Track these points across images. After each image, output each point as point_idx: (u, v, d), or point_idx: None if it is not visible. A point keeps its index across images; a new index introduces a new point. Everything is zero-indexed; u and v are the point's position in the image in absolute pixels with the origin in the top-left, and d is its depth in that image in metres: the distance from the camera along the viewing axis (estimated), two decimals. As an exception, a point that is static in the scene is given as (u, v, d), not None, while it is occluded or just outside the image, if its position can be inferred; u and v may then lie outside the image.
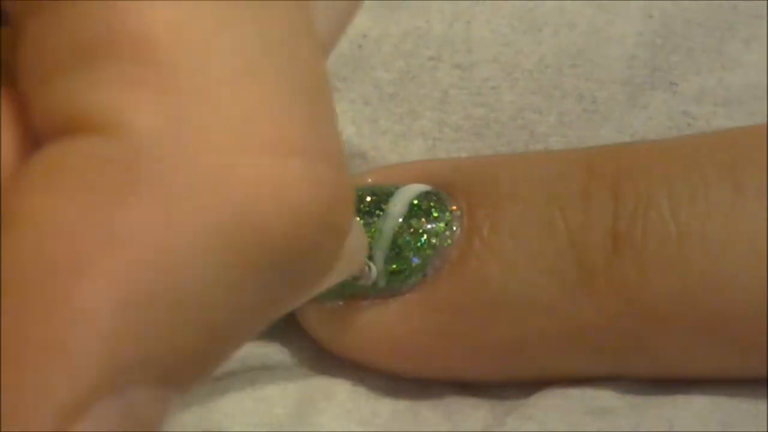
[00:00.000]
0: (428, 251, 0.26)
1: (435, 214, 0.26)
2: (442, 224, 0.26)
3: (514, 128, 0.28)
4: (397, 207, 0.26)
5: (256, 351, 0.27)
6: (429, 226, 0.26)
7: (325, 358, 0.27)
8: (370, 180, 0.27)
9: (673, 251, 0.24)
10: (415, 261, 0.26)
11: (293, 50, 0.17)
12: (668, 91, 0.28)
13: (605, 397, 0.25)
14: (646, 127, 0.28)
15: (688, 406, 0.25)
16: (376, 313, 0.26)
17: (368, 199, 0.26)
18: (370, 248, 0.26)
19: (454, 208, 0.26)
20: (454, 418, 0.26)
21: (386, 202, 0.26)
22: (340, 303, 0.26)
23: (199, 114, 0.16)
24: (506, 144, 0.28)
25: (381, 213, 0.26)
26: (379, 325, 0.26)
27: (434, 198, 0.26)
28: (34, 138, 0.17)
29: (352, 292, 0.26)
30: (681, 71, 0.28)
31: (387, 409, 0.26)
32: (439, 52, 0.28)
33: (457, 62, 0.28)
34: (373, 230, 0.26)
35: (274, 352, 0.27)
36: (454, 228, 0.25)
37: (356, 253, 0.25)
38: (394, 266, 0.26)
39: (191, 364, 0.17)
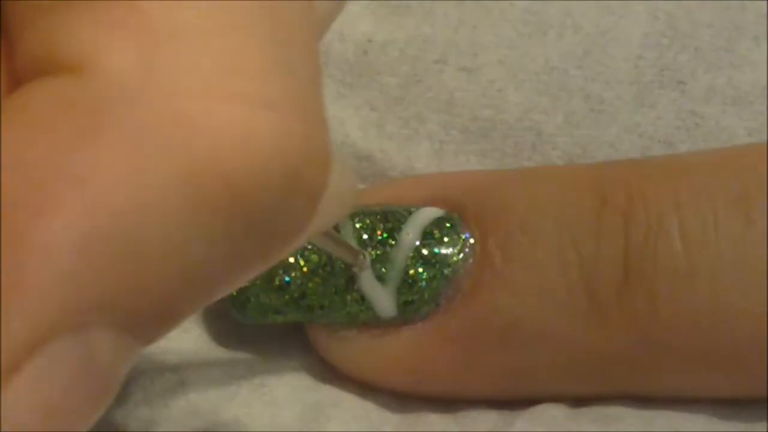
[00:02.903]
0: (441, 282, 0.25)
1: (447, 243, 0.26)
2: (454, 253, 0.25)
3: (521, 129, 0.28)
4: (410, 237, 0.26)
5: (263, 358, 0.27)
6: (442, 255, 0.26)
7: (333, 369, 0.27)
8: (382, 192, 0.27)
9: (682, 284, 0.24)
10: (428, 292, 0.25)
11: (279, 5, 0.17)
12: (677, 90, 0.28)
13: (613, 408, 0.25)
14: (655, 126, 0.28)
15: (696, 418, 0.25)
16: (388, 340, 0.26)
17: (381, 227, 0.26)
18: (383, 279, 0.26)
19: (467, 236, 0.26)
20: (463, 422, 0.26)
21: (398, 230, 0.26)
22: (353, 331, 0.26)
23: (172, 60, 0.16)
24: (513, 146, 0.28)
25: (393, 243, 0.26)
26: (391, 352, 0.26)
27: (447, 225, 0.26)
28: (19, 81, 0.17)
29: (364, 320, 0.26)
30: (689, 70, 0.28)
31: (395, 415, 0.26)
32: (444, 55, 0.28)
33: (462, 65, 0.28)
34: (385, 261, 0.26)
35: (281, 359, 0.27)
36: (467, 257, 0.25)
37: (337, 200, 0.24)
38: (407, 297, 0.26)
39: (153, 313, 0.16)
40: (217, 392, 0.26)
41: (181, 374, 0.26)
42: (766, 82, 0.28)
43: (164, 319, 0.17)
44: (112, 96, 0.16)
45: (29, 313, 0.15)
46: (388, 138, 0.28)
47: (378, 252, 0.26)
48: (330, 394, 0.26)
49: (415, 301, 0.26)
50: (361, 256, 0.26)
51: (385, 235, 0.26)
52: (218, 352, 0.27)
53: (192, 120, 0.16)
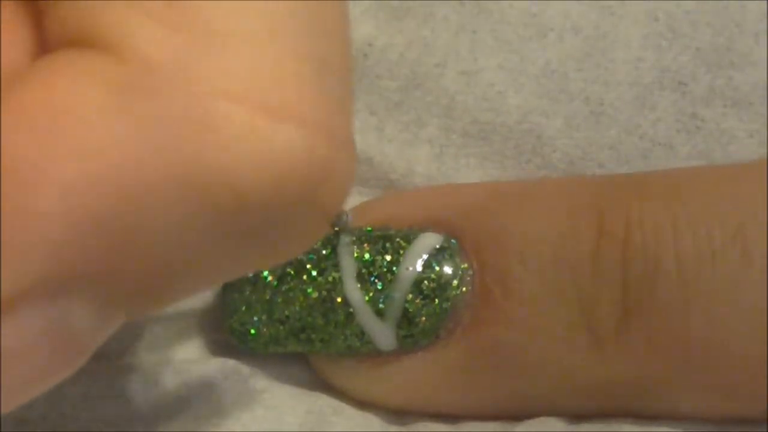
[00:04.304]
0: (440, 316, 0.25)
1: (447, 274, 0.25)
2: (454, 287, 0.25)
3: (521, 132, 0.28)
4: (410, 271, 0.26)
5: (265, 364, 0.27)
6: (441, 288, 0.25)
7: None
8: (377, 208, 0.27)
9: (679, 322, 0.24)
10: (427, 325, 0.25)
11: (320, 21, 0.17)
12: (677, 91, 0.28)
13: (612, 419, 0.26)
14: (655, 129, 0.28)
15: (693, 426, 0.25)
16: (388, 369, 0.26)
17: (379, 261, 0.26)
18: (382, 314, 0.26)
19: (466, 266, 0.25)
20: (464, 429, 0.26)
21: (397, 264, 0.26)
22: (354, 359, 0.26)
23: (207, 60, 0.16)
24: (513, 148, 0.28)
25: (392, 278, 0.26)
26: (391, 380, 0.26)
27: (446, 255, 0.26)
28: (46, 47, 0.17)
29: (365, 352, 0.26)
30: (690, 70, 0.28)
31: (396, 423, 0.26)
32: (444, 59, 0.28)
33: (462, 69, 0.28)
34: (384, 296, 0.26)
35: (283, 365, 0.27)
36: (466, 290, 0.25)
37: None
38: (406, 332, 0.26)
39: (136, 293, 0.16)
40: (220, 397, 0.26)
41: (183, 378, 0.26)
42: (766, 82, 0.28)
43: (149, 301, 0.17)
44: (139, 82, 0.16)
45: (9, 271, 0.15)
46: (388, 142, 0.28)
47: (377, 287, 0.26)
48: (331, 404, 0.26)
49: (415, 335, 0.26)
50: (344, 216, 0.26)
51: (383, 269, 0.26)
52: (221, 358, 0.27)
53: (212, 122, 0.16)
